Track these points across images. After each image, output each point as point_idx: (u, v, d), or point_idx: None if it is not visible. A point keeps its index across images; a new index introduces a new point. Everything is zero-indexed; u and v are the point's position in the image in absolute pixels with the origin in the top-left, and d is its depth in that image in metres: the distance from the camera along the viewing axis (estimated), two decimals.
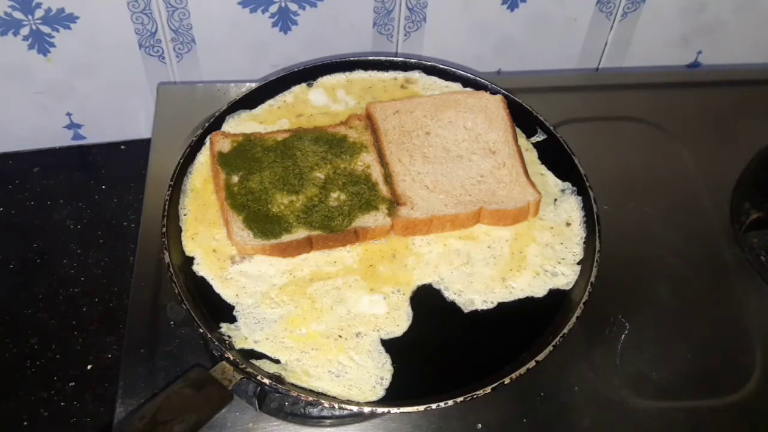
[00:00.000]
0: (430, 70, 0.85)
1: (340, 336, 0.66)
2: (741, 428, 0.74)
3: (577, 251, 0.73)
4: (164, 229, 0.69)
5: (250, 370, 0.62)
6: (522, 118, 0.81)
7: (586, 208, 0.75)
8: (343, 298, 0.68)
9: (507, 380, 0.62)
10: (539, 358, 0.63)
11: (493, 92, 0.82)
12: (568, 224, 0.74)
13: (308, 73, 0.84)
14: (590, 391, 0.73)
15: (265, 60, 0.98)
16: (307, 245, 0.69)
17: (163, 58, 0.95)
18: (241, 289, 0.68)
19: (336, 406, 0.62)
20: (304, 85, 0.83)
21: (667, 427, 0.72)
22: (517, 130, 0.80)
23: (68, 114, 0.99)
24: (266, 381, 0.62)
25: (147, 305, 0.75)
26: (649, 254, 0.84)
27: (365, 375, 0.64)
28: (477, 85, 0.84)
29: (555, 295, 0.70)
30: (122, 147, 1.02)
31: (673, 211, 0.88)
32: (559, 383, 0.73)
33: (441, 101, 0.81)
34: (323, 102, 0.83)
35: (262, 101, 0.81)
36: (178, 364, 0.71)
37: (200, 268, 0.69)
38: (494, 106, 0.80)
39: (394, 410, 0.62)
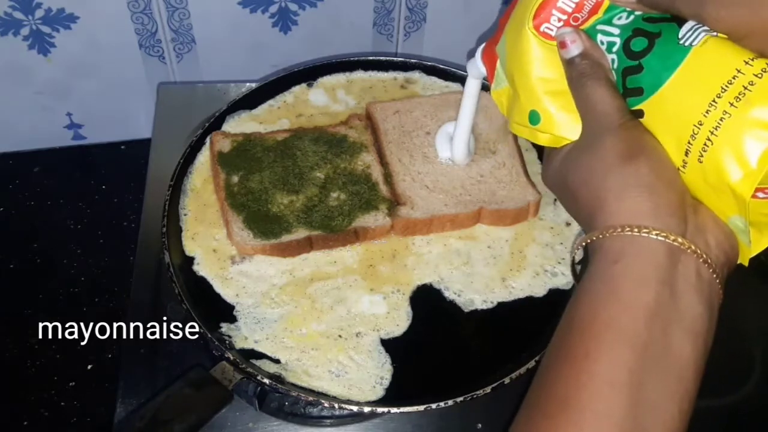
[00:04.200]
0: (430, 70, 0.85)
1: (340, 336, 0.66)
2: (740, 429, 0.74)
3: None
4: (164, 229, 0.69)
5: (250, 370, 0.62)
6: None
7: None
8: (343, 298, 0.68)
9: (507, 380, 0.62)
10: (539, 358, 0.63)
11: None
12: (568, 224, 0.74)
13: (308, 73, 0.84)
14: None
15: (265, 60, 0.98)
16: (307, 245, 0.69)
17: (163, 58, 0.95)
18: (241, 289, 0.68)
19: (336, 406, 0.62)
20: (304, 85, 0.83)
21: None
22: None
23: (68, 114, 0.99)
24: (266, 381, 0.62)
25: (147, 305, 0.75)
26: None
27: (365, 375, 0.64)
28: None
29: (555, 295, 0.70)
30: (122, 147, 1.02)
31: None
32: None
33: (441, 101, 0.80)
34: (323, 102, 0.83)
35: (262, 101, 0.81)
36: (178, 364, 0.71)
37: (200, 268, 0.69)
38: (494, 105, 0.80)
39: (394, 410, 0.62)
